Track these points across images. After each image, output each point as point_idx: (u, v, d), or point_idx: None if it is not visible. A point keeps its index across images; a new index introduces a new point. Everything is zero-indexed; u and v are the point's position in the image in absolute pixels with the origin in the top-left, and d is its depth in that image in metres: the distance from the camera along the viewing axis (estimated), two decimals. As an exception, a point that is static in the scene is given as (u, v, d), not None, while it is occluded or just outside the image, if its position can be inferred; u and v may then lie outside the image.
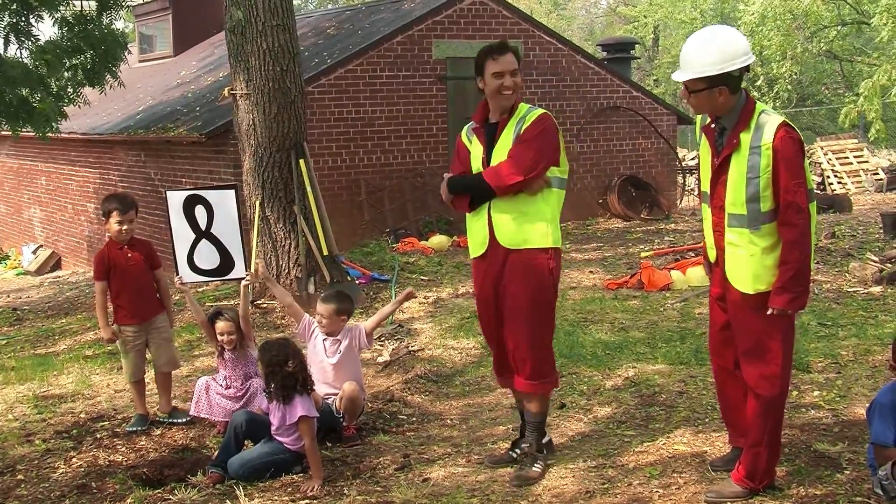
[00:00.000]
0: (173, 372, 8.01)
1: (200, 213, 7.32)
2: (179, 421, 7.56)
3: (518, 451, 6.18)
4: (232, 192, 7.42)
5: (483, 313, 6.12)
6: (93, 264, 7.83)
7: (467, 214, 6.00)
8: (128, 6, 17.25)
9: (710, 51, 5.04)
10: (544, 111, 5.89)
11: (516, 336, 5.93)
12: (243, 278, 7.40)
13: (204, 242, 7.33)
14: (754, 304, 5.14)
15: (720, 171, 5.19)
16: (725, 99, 5.10)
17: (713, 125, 5.25)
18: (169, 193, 7.41)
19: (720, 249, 5.30)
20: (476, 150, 5.94)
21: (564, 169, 5.90)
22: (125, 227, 7.48)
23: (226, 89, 12.14)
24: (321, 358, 7.07)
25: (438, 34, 17.26)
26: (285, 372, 6.23)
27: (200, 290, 13.31)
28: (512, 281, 5.86)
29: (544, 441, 6.19)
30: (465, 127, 6.12)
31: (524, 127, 5.79)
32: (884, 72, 19.19)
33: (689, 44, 5.16)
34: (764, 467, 5.30)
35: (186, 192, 7.42)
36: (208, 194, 7.39)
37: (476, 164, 5.92)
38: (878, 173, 25.52)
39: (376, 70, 16.71)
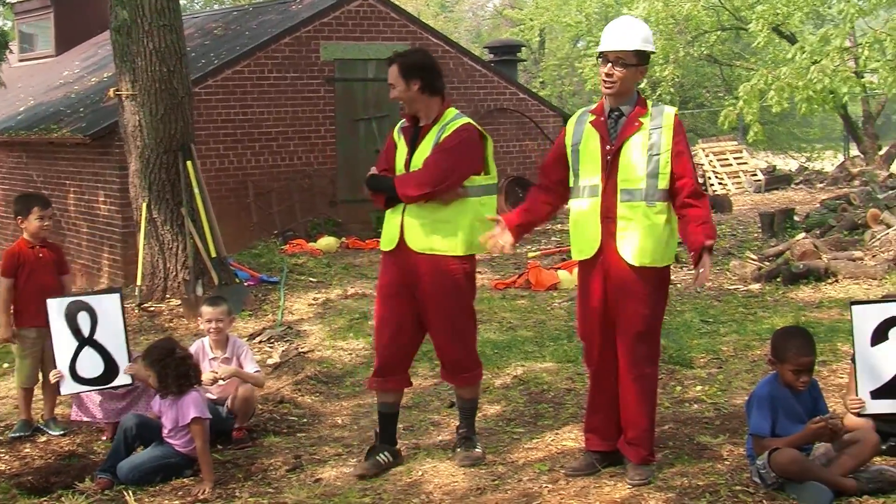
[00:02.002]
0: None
1: (83, 318, 7.02)
2: (53, 433, 7.35)
3: (385, 454, 6.18)
4: (117, 296, 7.14)
5: (385, 305, 6.14)
6: (2, 260, 7.66)
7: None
8: (7, 4, 16.85)
9: (643, 30, 5.48)
10: (468, 121, 5.99)
11: (439, 336, 6.10)
12: (128, 385, 7.05)
13: (87, 350, 7.01)
14: (640, 279, 5.44)
15: (616, 154, 5.44)
16: (638, 79, 5.53)
17: (603, 118, 5.51)
18: (49, 301, 7.05)
19: (609, 234, 5.48)
20: (401, 149, 6.05)
21: (493, 175, 6.04)
22: (46, 223, 7.50)
23: (111, 90, 11.96)
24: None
25: (326, 36, 17.20)
26: (177, 359, 6.24)
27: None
28: (425, 284, 5.96)
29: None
30: (399, 123, 6.21)
31: (444, 136, 5.90)
32: (760, 76, 19.60)
33: (621, 21, 5.53)
34: (654, 438, 5.71)
35: (68, 299, 7.16)
36: (91, 300, 7.13)
37: (399, 164, 6.03)
38: (756, 174, 26.20)
39: (264, 71, 16.59)
